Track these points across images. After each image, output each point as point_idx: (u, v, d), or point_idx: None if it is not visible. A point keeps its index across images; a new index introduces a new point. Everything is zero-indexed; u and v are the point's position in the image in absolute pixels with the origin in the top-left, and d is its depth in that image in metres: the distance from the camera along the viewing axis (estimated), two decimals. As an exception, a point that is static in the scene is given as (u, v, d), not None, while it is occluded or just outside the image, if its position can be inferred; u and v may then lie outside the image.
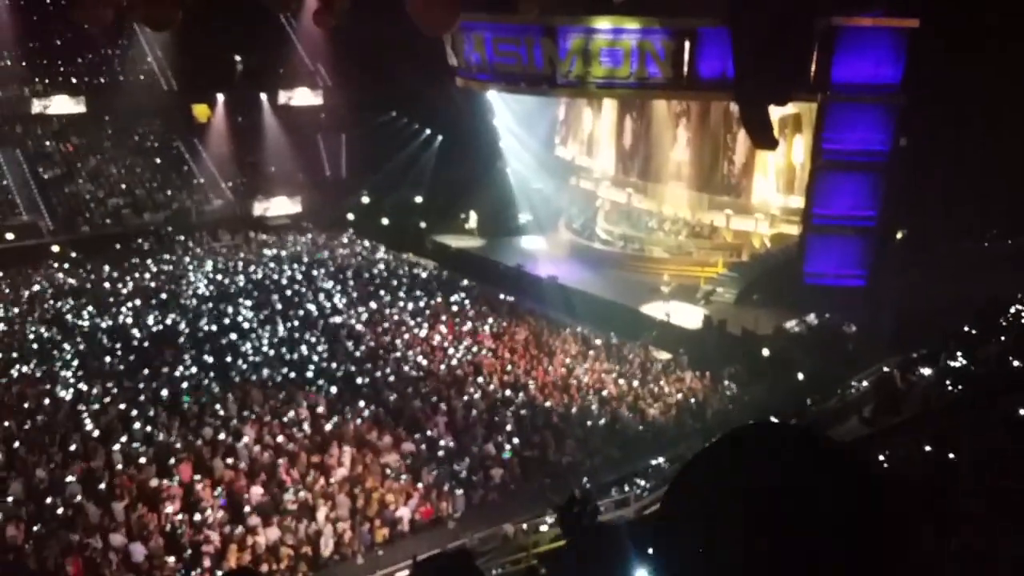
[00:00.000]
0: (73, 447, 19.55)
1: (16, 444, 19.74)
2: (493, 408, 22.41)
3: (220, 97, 46.88)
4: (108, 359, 25.63)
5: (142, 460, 19.00)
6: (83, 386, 23.35)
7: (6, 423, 20.90)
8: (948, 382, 18.52)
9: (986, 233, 29.78)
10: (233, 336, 27.60)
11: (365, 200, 44.63)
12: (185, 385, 23.41)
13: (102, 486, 17.98)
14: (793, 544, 1.24)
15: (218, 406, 21.94)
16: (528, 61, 29.99)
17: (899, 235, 30.60)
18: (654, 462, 19.68)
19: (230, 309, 30.40)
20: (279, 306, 30.80)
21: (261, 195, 44.76)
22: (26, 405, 22.05)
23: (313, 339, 27.42)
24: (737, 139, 34.30)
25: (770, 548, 1.25)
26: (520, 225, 41.47)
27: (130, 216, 41.87)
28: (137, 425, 20.64)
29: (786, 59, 26.18)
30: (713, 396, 23.83)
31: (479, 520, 17.88)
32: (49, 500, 17.40)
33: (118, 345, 26.84)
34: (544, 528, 16.88)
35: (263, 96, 47.76)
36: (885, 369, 21.35)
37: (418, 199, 43.02)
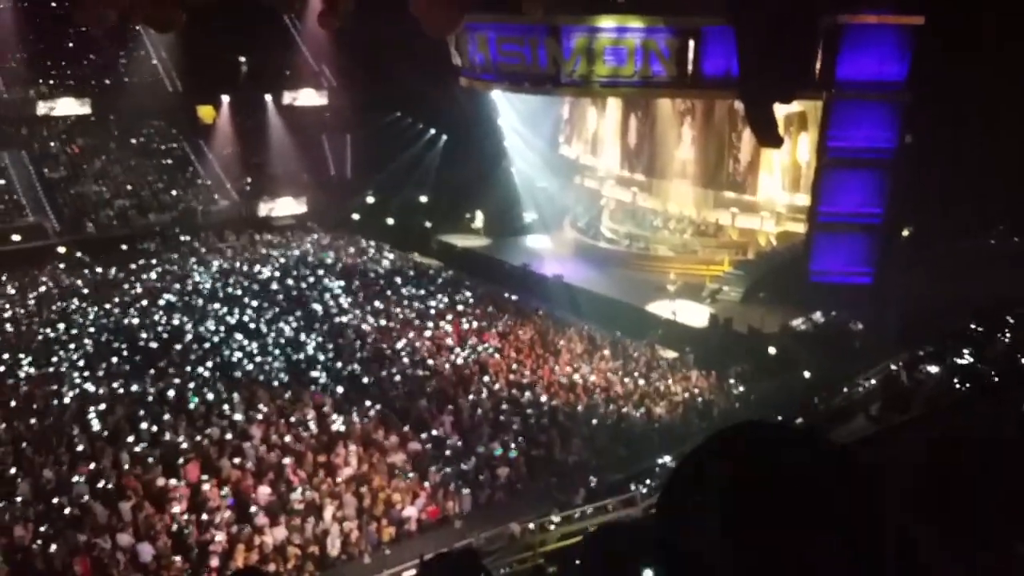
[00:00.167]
0: (80, 447, 19.61)
1: (24, 445, 19.80)
2: (499, 407, 22.42)
3: (225, 98, 47.02)
4: (115, 359, 25.68)
5: (149, 460, 19.05)
6: (90, 386, 23.43)
7: (14, 423, 20.98)
8: (956, 380, 18.47)
9: (992, 230, 29.72)
10: (239, 336, 27.66)
11: (370, 200, 44.67)
12: (192, 385, 23.46)
13: (109, 486, 18.02)
14: (788, 541, 1.24)
15: (225, 406, 22.00)
16: (532, 61, 29.97)
17: (905, 232, 30.53)
18: (661, 461, 19.66)
19: (236, 309, 30.48)
20: (285, 306, 30.88)
21: (266, 196, 44.86)
22: (34, 406, 22.12)
23: (319, 339, 27.48)
24: (742, 137, 34.26)
25: (765, 545, 1.25)
26: (525, 224, 41.46)
27: (136, 217, 41.98)
28: (144, 425, 20.68)
29: (791, 57, 26.09)
30: (719, 394, 23.80)
31: (485, 519, 17.88)
32: (57, 500, 17.45)
33: (125, 346, 26.90)
34: (551, 527, 16.90)
35: (268, 97, 47.90)
36: (892, 367, 21.31)
37: (423, 199, 43.04)
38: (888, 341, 23.73)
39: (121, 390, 23.15)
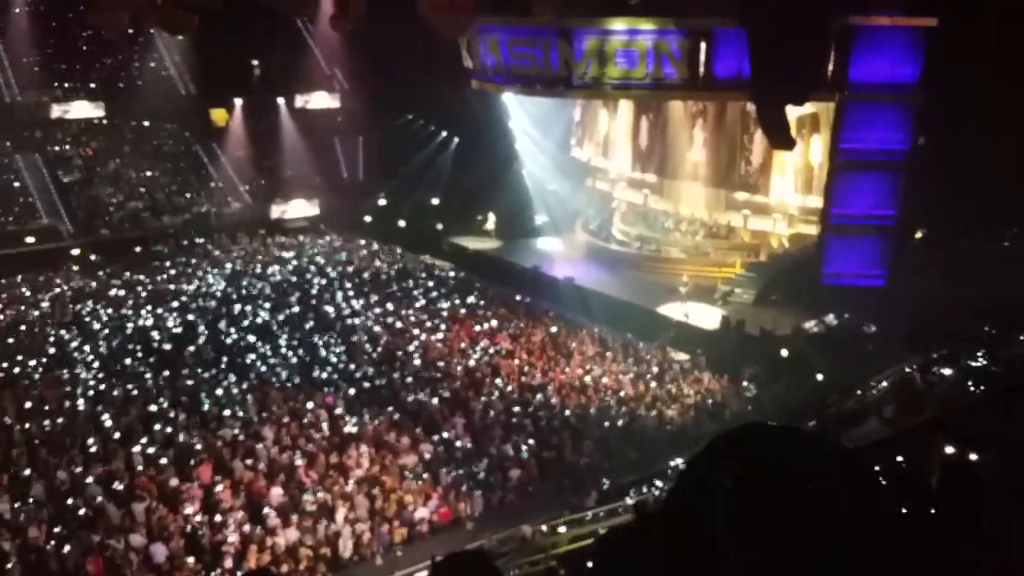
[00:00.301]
0: (94, 448, 19.70)
1: (38, 445, 19.92)
2: (511, 410, 22.43)
3: (238, 101, 47.16)
4: (128, 361, 25.81)
5: (162, 461, 19.14)
6: (103, 388, 23.55)
7: (28, 425, 21.09)
8: (969, 382, 18.38)
9: (1006, 231, 29.54)
10: (252, 338, 27.76)
11: (382, 202, 44.74)
12: (205, 387, 23.54)
13: (123, 487, 18.11)
14: (792, 542, 1.25)
15: (237, 407, 22.08)
16: (544, 63, 29.96)
17: (918, 234, 30.38)
18: (673, 464, 19.62)
19: (249, 311, 30.58)
20: (297, 308, 30.97)
21: (279, 198, 44.98)
22: (47, 407, 22.25)
23: (331, 340, 27.55)
24: (754, 139, 34.17)
25: (770, 545, 1.25)
26: (536, 227, 41.42)
27: (149, 219, 42.14)
28: (157, 426, 20.79)
29: (803, 59, 26.02)
30: (731, 397, 23.74)
31: (497, 521, 17.89)
32: (70, 501, 17.54)
33: (138, 347, 27.03)
34: (562, 529, 16.89)
35: (280, 100, 48.03)
36: (905, 369, 21.21)
37: (435, 201, 43.07)
38: (901, 343, 23.63)
39: (135, 391, 23.26)
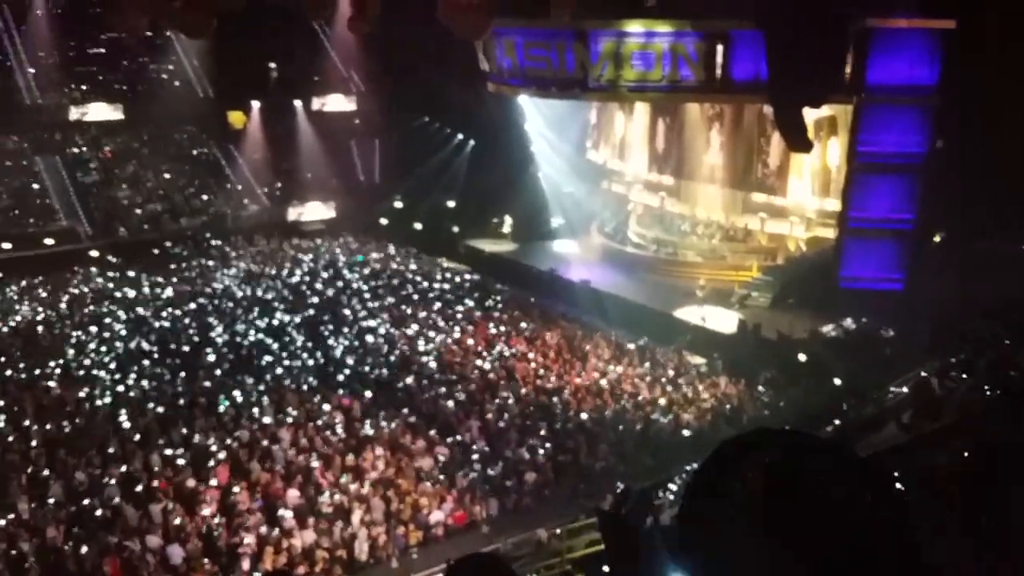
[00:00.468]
0: (112, 450, 19.82)
1: (57, 446, 20.05)
2: (526, 413, 22.41)
3: (255, 104, 47.41)
4: (146, 362, 25.94)
5: (180, 463, 19.23)
6: (121, 389, 23.69)
7: (47, 426, 21.24)
8: (987, 386, 18.25)
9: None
10: (268, 340, 27.86)
11: (398, 205, 44.82)
12: (222, 388, 23.64)
13: (140, 488, 18.21)
14: (808, 546, 1.25)
15: (254, 409, 22.16)
16: (559, 65, 29.98)
17: (936, 238, 30.19)
18: (689, 468, 19.54)
19: (266, 313, 30.69)
20: (314, 310, 31.06)
21: (296, 200, 45.16)
22: (66, 408, 22.40)
23: (347, 343, 27.62)
24: (771, 142, 34.01)
25: (785, 549, 1.26)
26: (552, 229, 41.37)
27: (167, 221, 42.37)
28: (175, 428, 20.89)
29: (820, 61, 25.92)
30: (748, 401, 23.64)
31: (513, 525, 17.88)
32: (88, 502, 17.66)
33: (156, 349, 27.18)
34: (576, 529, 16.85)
35: (297, 103, 48.22)
36: (923, 374, 21.08)
37: (451, 204, 43.12)
38: (919, 348, 23.48)
39: (153, 393, 23.40)
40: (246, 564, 15.89)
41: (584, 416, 22.31)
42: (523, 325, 29.58)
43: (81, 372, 25.37)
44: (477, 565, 2.73)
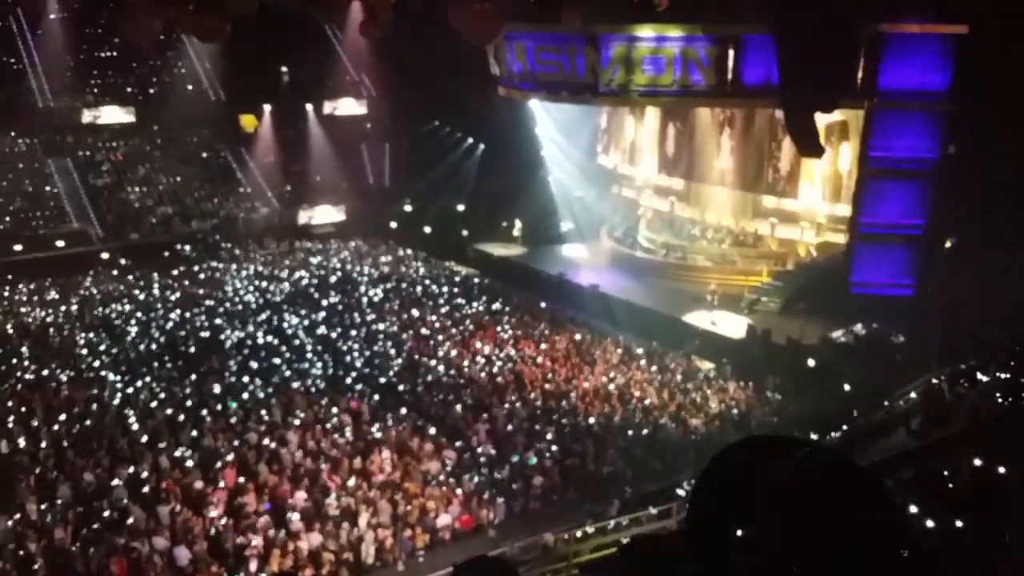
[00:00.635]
0: (120, 451, 19.87)
1: (65, 447, 20.11)
2: (534, 416, 22.38)
3: (267, 107, 47.63)
4: (156, 364, 26.02)
5: (188, 464, 19.26)
6: (130, 391, 23.76)
7: (55, 427, 21.32)
8: (998, 394, 18.15)
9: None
10: (277, 342, 27.91)
11: (408, 208, 44.91)
12: (230, 390, 23.69)
13: (148, 490, 18.24)
14: (810, 548, 1.24)
15: (263, 411, 22.19)
16: (570, 70, 30.00)
17: (947, 243, 30.06)
18: (696, 473, 19.45)
19: (275, 316, 30.77)
20: (323, 313, 31.12)
21: (306, 203, 45.32)
22: (75, 409, 22.46)
23: (356, 346, 27.65)
24: (782, 147, 33.94)
25: (787, 551, 1.26)
26: (562, 233, 41.39)
27: (178, 224, 42.55)
28: (183, 430, 20.94)
29: (832, 66, 25.88)
30: (757, 407, 23.57)
31: (519, 528, 17.83)
32: (96, 503, 17.69)
33: (165, 351, 27.26)
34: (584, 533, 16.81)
35: (309, 106, 48.43)
36: (933, 380, 20.97)
37: (460, 207, 43.16)
38: (929, 354, 23.37)
39: (162, 394, 23.46)
40: (253, 566, 15.88)
41: (592, 420, 22.27)
42: (532, 329, 29.55)
43: (91, 374, 25.46)
44: (483, 568, 2.72)
